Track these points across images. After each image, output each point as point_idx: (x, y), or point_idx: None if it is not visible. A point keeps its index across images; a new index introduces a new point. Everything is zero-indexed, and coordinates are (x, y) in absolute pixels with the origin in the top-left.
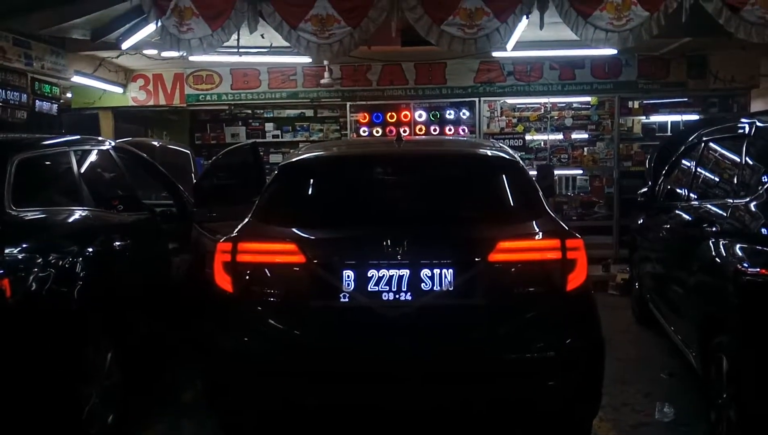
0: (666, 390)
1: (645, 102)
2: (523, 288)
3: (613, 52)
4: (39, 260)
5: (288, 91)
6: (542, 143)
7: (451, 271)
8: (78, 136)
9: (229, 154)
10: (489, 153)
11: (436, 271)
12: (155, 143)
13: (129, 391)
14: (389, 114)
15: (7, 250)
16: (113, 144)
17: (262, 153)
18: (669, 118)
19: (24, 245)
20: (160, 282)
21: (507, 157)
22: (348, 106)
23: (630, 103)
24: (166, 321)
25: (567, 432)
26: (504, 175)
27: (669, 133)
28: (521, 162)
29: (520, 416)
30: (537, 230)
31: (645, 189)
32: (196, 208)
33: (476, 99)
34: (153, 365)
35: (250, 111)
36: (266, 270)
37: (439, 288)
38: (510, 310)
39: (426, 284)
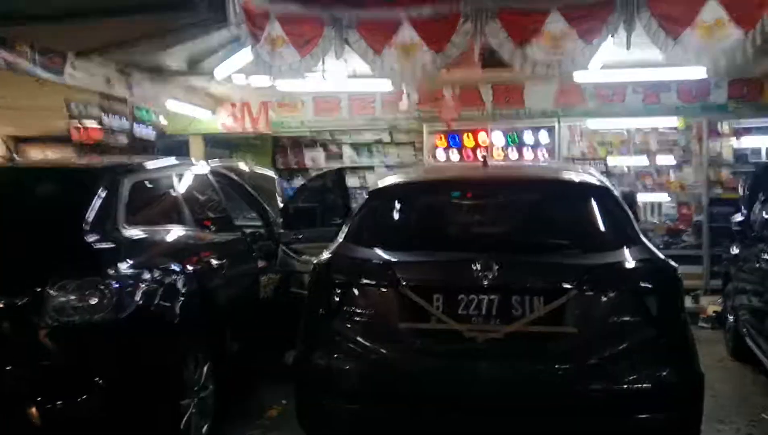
0: (766, 431)
1: (736, 125)
2: (616, 317)
3: (702, 74)
4: (147, 276)
5: (367, 117)
6: (626, 168)
7: (542, 297)
8: (180, 160)
9: (317, 178)
10: (579, 178)
11: (527, 297)
12: (244, 167)
13: (221, 403)
14: (466, 137)
15: (120, 266)
16: (210, 167)
17: None
18: (764, 143)
19: (134, 262)
20: (249, 299)
21: (598, 182)
22: (425, 129)
23: (720, 127)
24: (254, 337)
25: None
26: (595, 201)
27: (764, 159)
28: (613, 187)
29: None
30: (631, 258)
31: (739, 217)
32: (283, 229)
33: (556, 122)
34: (242, 380)
35: (329, 136)
36: (357, 290)
37: (529, 314)
38: (602, 339)
39: (516, 310)
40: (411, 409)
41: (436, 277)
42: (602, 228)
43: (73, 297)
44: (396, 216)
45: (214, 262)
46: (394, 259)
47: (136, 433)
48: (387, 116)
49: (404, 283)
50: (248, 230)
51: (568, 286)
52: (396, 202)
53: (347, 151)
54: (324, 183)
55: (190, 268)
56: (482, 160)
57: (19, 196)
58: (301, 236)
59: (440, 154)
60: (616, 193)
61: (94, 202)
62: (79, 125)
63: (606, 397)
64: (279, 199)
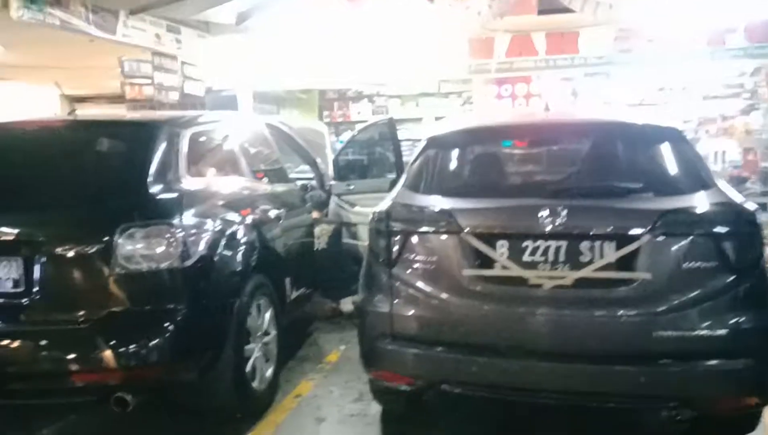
0: None
1: None
2: (691, 262)
3: None
4: (209, 226)
5: (414, 67)
6: (688, 114)
7: (613, 243)
8: (236, 113)
9: (367, 129)
10: (648, 120)
11: (597, 243)
12: (293, 121)
13: (282, 349)
14: (518, 86)
15: (184, 215)
16: (266, 121)
17: None
18: None
19: (198, 211)
20: (305, 249)
21: (667, 125)
22: (474, 79)
23: None
24: (310, 286)
25: (735, 422)
26: (666, 143)
27: None
28: (683, 130)
29: (682, 401)
30: (707, 202)
31: None
32: (334, 181)
33: (612, 68)
34: (301, 327)
35: (375, 88)
36: (418, 238)
37: (599, 261)
38: (676, 285)
39: (585, 256)
40: (474, 355)
41: (500, 223)
42: (675, 171)
43: (140, 245)
44: (457, 162)
45: (272, 212)
46: (456, 206)
47: (205, 375)
48: (435, 66)
49: (467, 230)
50: (300, 182)
51: (641, 230)
52: (457, 148)
53: (393, 103)
54: (373, 134)
55: (250, 218)
56: (545, 106)
57: (85, 148)
58: (352, 187)
59: (491, 105)
60: (688, 136)
61: (156, 153)
62: (132, 83)
63: (679, 344)
64: (328, 151)
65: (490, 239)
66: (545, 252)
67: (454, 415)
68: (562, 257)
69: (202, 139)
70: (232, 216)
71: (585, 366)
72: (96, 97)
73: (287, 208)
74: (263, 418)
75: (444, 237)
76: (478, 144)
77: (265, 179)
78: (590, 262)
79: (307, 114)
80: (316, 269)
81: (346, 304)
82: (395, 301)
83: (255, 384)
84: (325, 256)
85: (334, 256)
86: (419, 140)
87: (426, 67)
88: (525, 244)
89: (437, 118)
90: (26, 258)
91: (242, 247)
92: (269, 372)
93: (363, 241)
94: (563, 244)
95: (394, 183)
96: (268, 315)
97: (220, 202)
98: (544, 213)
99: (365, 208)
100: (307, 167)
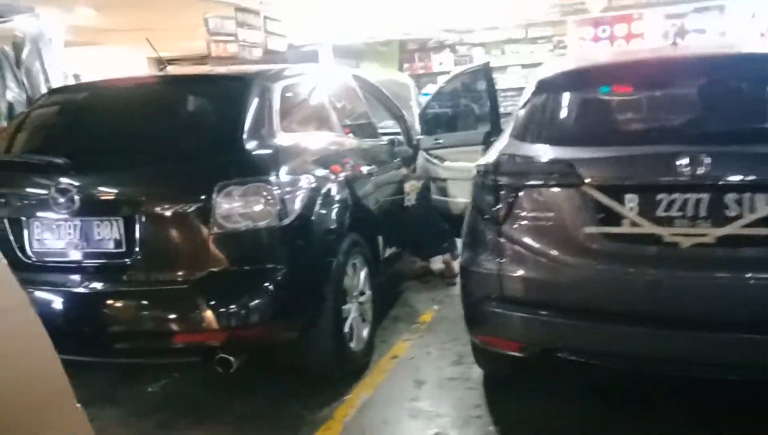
0: None
1: None
2: None
3: None
4: (305, 183)
5: (499, 11)
6: None
7: (765, 195)
8: (322, 65)
9: (455, 79)
10: None
11: (746, 195)
12: (378, 74)
13: (376, 309)
14: (617, 26)
15: (281, 172)
16: (353, 74)
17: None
18: None
19: (292, 168)
20: (396, 206)
21: None
22: (568, 21)
23: None
24: (402, 244)
25: None
26: None
27: None
28: None
29: None
30: None
31: None
32: (422, 135)
33: (725, 2)
34: (394, 286)
35: (457, 37)
36: (530, 192)
37: (748, 215)
38: None
39: (731, 211)
40: (598, 321)
41: (629, 173)
42: None
43: (238, 203)
44: (573, 107)
45: (363, 168)
46: (575, 156)
47: (305, 335)
48: (521, 9)
49: (589, 182)
50: (387, 137)
51: None
52: (573, 91)
53: (477, 51)
54: (462, 84)
55: (342, 175)
56: (673, 39)
57: (178, 105)
58: (441, 141)
59: (587, 48)
60: None
61: (249, 108)
62: (216, 40)
63: None
64: (414, 104)
65: (617, 192)
66: (683, 206)
67: (562, 384)
68: (703, 212)
69: (291, 93)
70: (326, 173)
71: (730, 335)
72: (181, 59)
73: (378, 164)
74: (361, 380)
75: (561, 190)
76: (599, 85)
77: (353, 134)
78: (737, 217)
79: (387, 67)
80: (407, 227)
81: (436, 263)
82: (504, 261)
83: (352, 344)
84: (414, 214)
85: (423, 214)
86: (508, 90)
87: (512, 11)
88: (659, 197)
89: (524, 66)
90: (127, 218)
91: (337, 205)
92: (365, 332)
93: (453, 197)
94: (705, 196)
95: (489, 135)
96: (363, 274)
97: (313, 159)
98: (683, 161)
99: (455, 162)
100: (391, 122)
